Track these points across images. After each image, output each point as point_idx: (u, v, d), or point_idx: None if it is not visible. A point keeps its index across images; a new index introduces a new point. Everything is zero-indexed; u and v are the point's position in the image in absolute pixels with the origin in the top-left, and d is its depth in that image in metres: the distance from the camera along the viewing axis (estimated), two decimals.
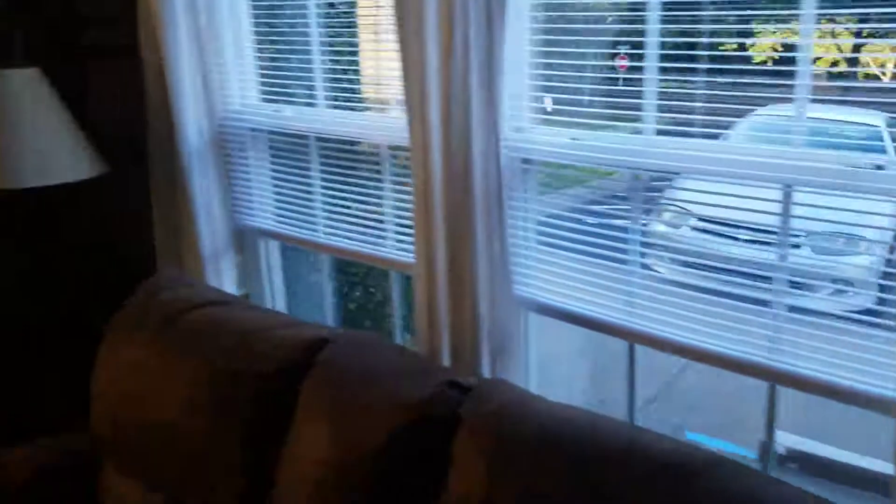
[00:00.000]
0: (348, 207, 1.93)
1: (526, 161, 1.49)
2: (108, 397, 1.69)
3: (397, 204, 1.81)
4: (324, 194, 1.98)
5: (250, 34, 2.02)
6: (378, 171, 1.86)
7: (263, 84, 2.05)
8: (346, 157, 1.93)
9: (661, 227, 1.52)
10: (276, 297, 2.30)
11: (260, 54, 2.03)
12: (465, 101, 1.35)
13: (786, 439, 2.13)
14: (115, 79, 2.27)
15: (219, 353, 1.52)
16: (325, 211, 1.99)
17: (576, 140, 1.42)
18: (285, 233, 2.10)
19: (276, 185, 2.10)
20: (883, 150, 1.38)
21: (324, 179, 1.97)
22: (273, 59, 2.02)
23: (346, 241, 1.95)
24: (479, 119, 1.35)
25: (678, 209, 1.53)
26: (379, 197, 1.85)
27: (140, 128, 2.18)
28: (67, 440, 1.85)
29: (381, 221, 1.85)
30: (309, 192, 2.01)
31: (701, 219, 1.54)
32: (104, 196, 2.45)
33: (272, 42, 2.01)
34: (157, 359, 1.60)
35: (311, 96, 1.98)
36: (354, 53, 1.91)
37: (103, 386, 1.70)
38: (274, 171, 2.09)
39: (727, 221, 1.41)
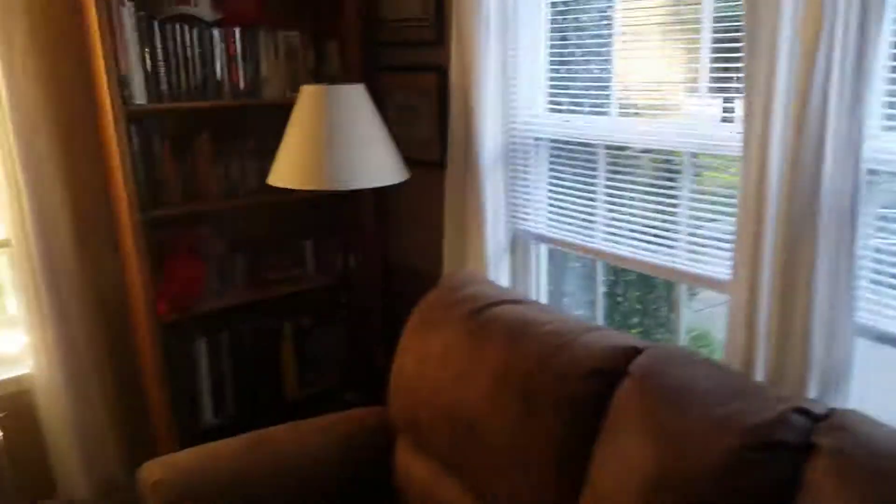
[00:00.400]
0: (634, 216, 1.92)
1: (872, 172, 1.37)
2: (412, 380, 1.83)
3: (694, 213, 1.77)
4: (607, 201, 1.99)
5: (546, 49, 2.09)
6: (673, 180, 1.83)
7: (552, 94, 2.11)
8: (632, 165, 1.93)
9: None
10: (540, 299, 2.36)
11: (552, 66, 2.09)
12: (822, 110, 1.28)
13: None
14: (419, 95, 2.50)
15: (528, 351, 1.58)
16: (608, 218, 2.00)
17: None
18: (560, 237, 2.14)
19: (553, 192, 2.15)
20: None
21: (609, 187, 1.99)
22: (563, 68, 2.08)
23: (628, 248, 1.95)
24: (836, 130, 1.27)
25: None
26: (674, 206, 1.82)
27: (438, 140, 2.38)
28: (363, 414, 2.04)
29: (674, 231, 1.82)
30: (591, 199, 2.03)
31: None
32: (400, 199, 2.75)
33: (563, 51, 2.07)
34: (463, 349, 1.71)
35: (599, 105, 2.01)
36: (643, 59, 1.90)
37: (407, 369, 1.85)
38: (553, 178, 2.15)
39: None
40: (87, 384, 2.40)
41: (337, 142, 1.94)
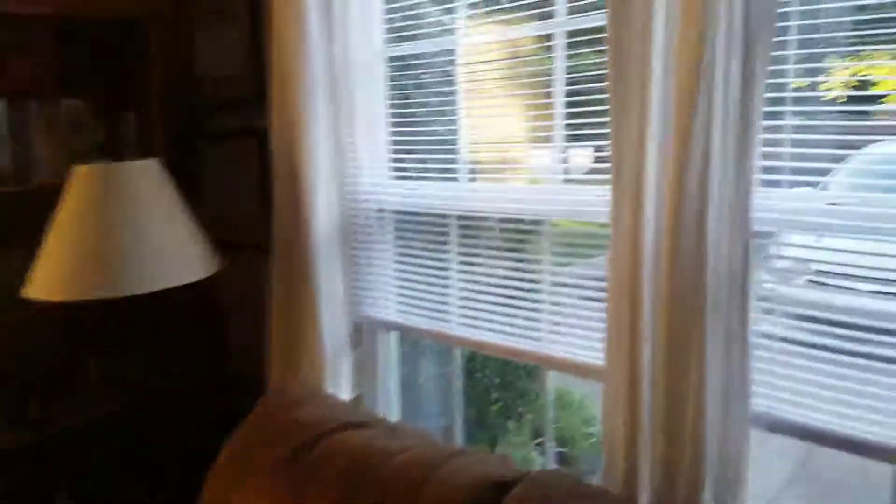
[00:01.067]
0: (491, 295, 1.67)
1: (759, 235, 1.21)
2: None
3: (557, 291, 1.55)
4: (462, 279, 1.73)
5: (386, 107, 1.83)
6: (532, 252, 1.61)
7: (395, 158, 1.85)
8: (488, 237, 1.69)
9: None
10: (391, 398, 2.03)
11: (394, 126, 1.84)
12: (703, 172, 1.10)
13: None
14: (240, 166, 2.13)
15: (375, 496, 1.23)
16: (463, 298, 1.73)
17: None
18: (412, 324, 1.85)
19: (402, 271, 1.86)
20: None
21: (463, 262, 1.73)
22: (407, 129, 1.82)
23: (487, 333, 1.69)
24: (723, 193, 1.09)
25: None
26: (535, 282, 1.59)
27: (262, 219, 2.01)
28: None
29: (537, 311, 1.59)
30: (444, 278, 1.76)
31: None
32: (214, 294, 2.29)
33: (405, 110, 1.83)
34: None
35: (447, 169, 1.77)
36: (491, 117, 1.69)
37: None
38: (401, 255, 1.86)
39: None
40: None
41: (117, 234, 1.52)
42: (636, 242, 1.18)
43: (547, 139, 1.52)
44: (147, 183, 1.60)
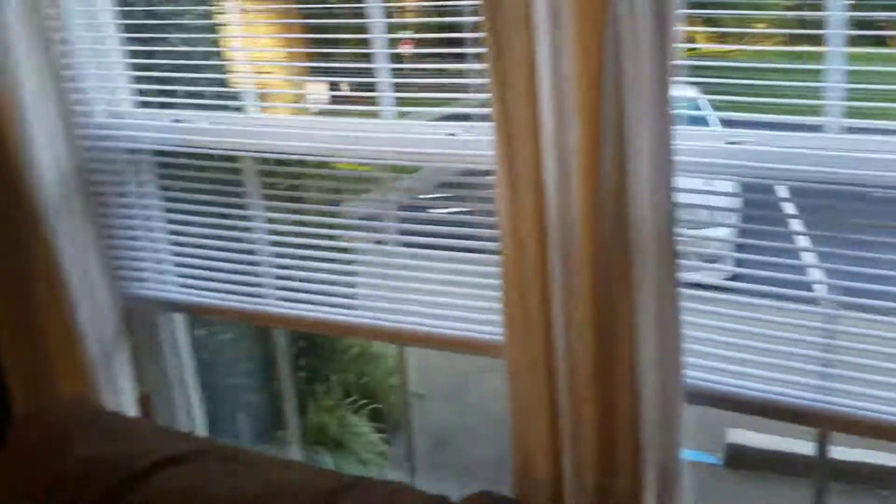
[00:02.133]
0: (315, 259, 1.30)
1: None
2: None
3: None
4: (274, 242, 1.33)
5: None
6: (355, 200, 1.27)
7: (138, 80, 1.32)
8: (305, 186, 1.31)
9: None
10: (190, 394, 1.58)
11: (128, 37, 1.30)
12: (619, 101, 0.84)
13: None
14: None
15: None
16: (279, 267, 1.33)
17: None
18: (206, 304, 1.40)
19: (176, 234, 1.38)
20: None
21: (273, 221, 1.32)
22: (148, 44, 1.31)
23: (313, 308, 1.32)
24: (647, 123, 0.85)
25: None
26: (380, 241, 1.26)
27: None
28: None
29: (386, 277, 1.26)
30: (244, 241, 1.33)
31: None
32: None
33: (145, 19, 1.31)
34: None
35: (233, 97, 1.31)
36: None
37: None
38: (170, 211, 1.38)
39: None
40: None
41: None
42: (538, 191, 0.90)
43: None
44: None
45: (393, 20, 1.17)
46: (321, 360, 2.58)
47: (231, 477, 0.99)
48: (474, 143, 1.07)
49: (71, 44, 1.23)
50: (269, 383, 2.06)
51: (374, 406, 2.62)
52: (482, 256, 1.13)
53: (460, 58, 1.09)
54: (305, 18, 1.26)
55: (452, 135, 1.11)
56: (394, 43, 1.16)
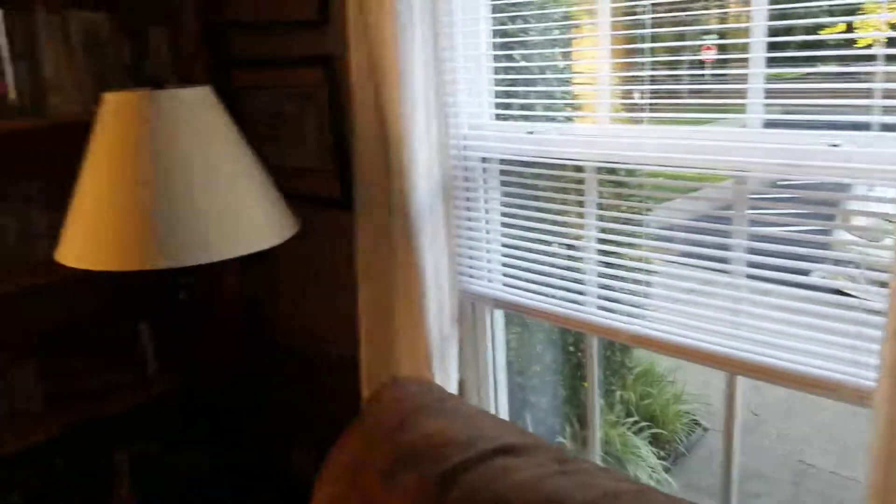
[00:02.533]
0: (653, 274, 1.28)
1: None
2: None
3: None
4: (603, 249, 1.34)
5: (488, 25, 1.40)
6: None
7: (500, 93, 1.43)
8: (647, 197, 1.29)
9: None
10: (498, 387, 1.67)
11: (496, 50, 1.41)
12: None
13: None
14: (297, 100, 1.70)
15: None
16: (604, 276, 1.34)
17: None
18: (528, 304, 1.46)
19: (509, 237, 1.47)
20: None
21: (606, 230, 1.33)
22: (512, 53, 1.40)
23: (652, 325, 1.29)
24: None
25: None
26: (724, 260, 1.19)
27: (331, 165, 1.61)
28: None
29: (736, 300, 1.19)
30: (574, 248, 1.37)
31: None
32: (279, 254, 1.92)
33: (509, 27, 1.40)
34: None
35: (576, 107, 1.35)
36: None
37: None
38: (508, 215, 1.47)
39: None
40: None
41: (167, 186, 1.13)
42: None
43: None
44: (203, 118, 1.19)
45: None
46: (607, 375, 2.56)
47: (564, 478, 1.01)
48: (862, 155, 0.96)
49: (453, 62, 1.37)
50: (559, 388, 2.11)
51: (655, 430, 2.53)
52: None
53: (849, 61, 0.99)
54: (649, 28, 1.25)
55: (835, 145, 1.01)
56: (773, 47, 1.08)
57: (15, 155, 1.68)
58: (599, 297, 1.36)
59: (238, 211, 1.18)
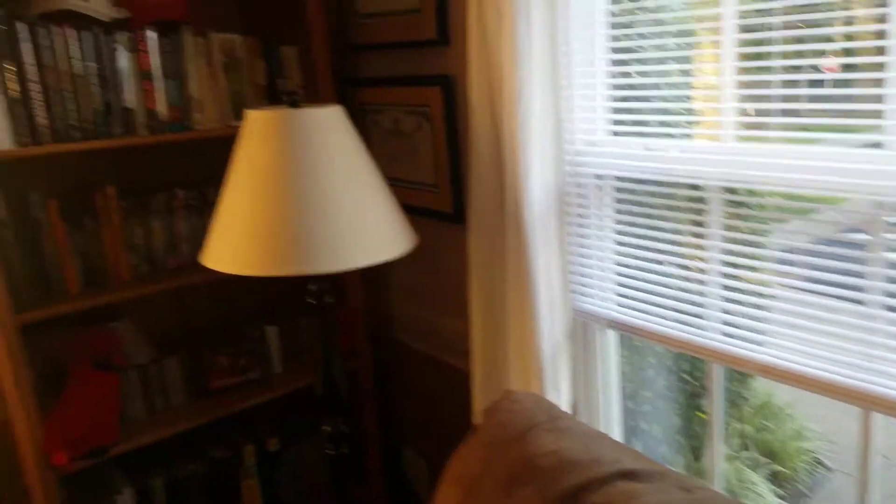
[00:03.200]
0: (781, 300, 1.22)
1: None
2: None
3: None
4: (726, 272, 1.29)
5: (604, 41, 1.40)
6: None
7: (616, 109, 1.42)
8: (774, 219, 1.24)
9: None
10: (612, 409, 1.64)
11: (613, 66, 1.40)
12: None
13: None
14: (415, 118, 1.78)
15: None
16: (728, 300, 1.29)
17: None
18: (644, 326, 1.43)
19: (622, 255, 1.45)
20: None
21: (728, 252, 1.28)
22: (627, 70, 1.39)
23: (782, 354, 1.23)
24: None
25: None
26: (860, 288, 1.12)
27: (445, 180, 1.67)
28: None
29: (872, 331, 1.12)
30: (692, 269, 1.33)
31: None
32: (391, 265, 2.03)
33: (625, 45, 1.39)
34: None
35: (690, 124, 1.32)
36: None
37: None
38: (621, 233, 1.45)
39: None
40: None
41: (306, 199, 1.20)
42: None
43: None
44: (335, 135, 1.26)
45: None
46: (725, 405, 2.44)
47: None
48: None
49: (569, 79, 1.38)
50: (672, 417, 2.04)
51: (774, 467, 2.38)
52: None
53: None
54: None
55: None
56: None
57: (163, 166, 1.85)
58: (723, 322, 1.31)
59: (366, 223, 1.24)
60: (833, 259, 1.15)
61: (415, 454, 2.16)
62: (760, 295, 1.25)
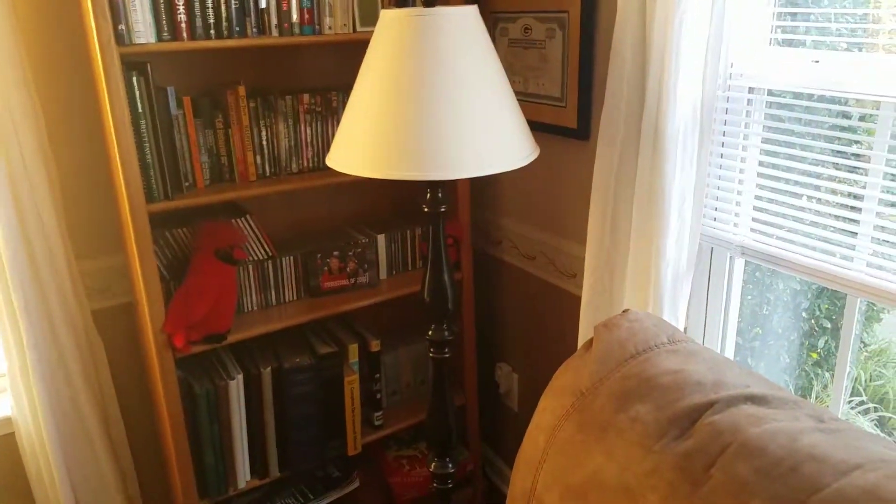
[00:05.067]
0: None
1: None
2: None
3: None
4: (883, 203, 1.19)
5: None
6: None
7: (780, 16, 1.30)
8: None
9: None
10: (726, 340, 1.59)
11: None
12: None
13: None
14: (547, 24, 1.70)
15: None
16: (881, 229, 1.20)
17: None
18: (779, 255, 1.35)
19: (766, 178, 1.36)
20: None
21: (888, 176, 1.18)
22: None
23: None
24: None
25: None
26: None
27: (571, 94, 1.60)
28: None
29: None
30: (851, 197, 1.23)
31: None
32: (504, 178, 2.00)
33: None
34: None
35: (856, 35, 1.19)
36: None
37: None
38: (767, 154, 1.35)
39: None
40: (85, 430, 1.77)
41: (437, 102, 1.18)
42: None
43: None
44: (469, 38, 1.22)
45: None
46: (834, 347, 2.33)
47: (825, 435, 0.93)
48: None
49: None
50: (784, 356, 1.96)
51: (882, 414, 2.28)
52: None
53: None
54: None
55: None
56: None
57: (292, 69, 1.86)
58: (871, 252, 1.22)
59: (494, 131, 1.20)
60: None
61: (509, 368, 2.19)
62: None
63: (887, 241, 1.19)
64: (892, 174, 1.17)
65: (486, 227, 2.12)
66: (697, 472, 0.91)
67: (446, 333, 1.51)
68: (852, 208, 1.23)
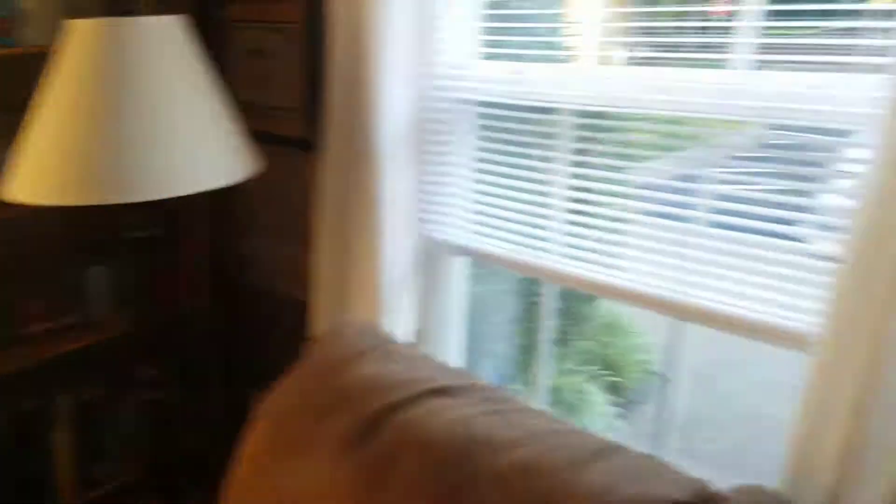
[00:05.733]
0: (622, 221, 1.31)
1: None
2: None
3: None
4: (572, 198, 1.36)
5: None
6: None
7: (488, 31, 1.41)
8: (623, 142, 1.31)
9: None
10: (452, 335, 1.71)
11: None
12: None
13: None
14: (277, 35, 1.68)
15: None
16: (570, 223, 1.37)
17: None
18: (492, 252, 1.49)
19: (482, 183, 1.49)
20: None
21: (577, 176, 1.35)
22: None
23: (609, 271, 1.33)
24: None
25: None
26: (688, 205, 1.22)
27: (305, 105, 1.60)
28: None
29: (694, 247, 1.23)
30: (545, 195, 1.39)
31: None
32: (248, 195, 1.92)
33: None
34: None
35: (552, 48, 1.35)
36: None
37: None
38: (481, 160, 1.48)
39: None
40: None
41: (131, 117, 1.11)
42: None
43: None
44: (170, 49, 1.17)
45: None
46: (569, 325, 2.63)
47: (493, 417, 1.02)
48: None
49: None
50: (519, 337, 2.17)
51: (613, 378, 2.62)
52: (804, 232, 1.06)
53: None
54: None
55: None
56: None
57: None
58: (568, 245, 1.38)
59: (194, 148, 1.15)
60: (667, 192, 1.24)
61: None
62: (602, 217, 1.33)
63: (572, 234, 1.37)
64: (574, 173, 1.34)
65: (231, 248, 2.05)
66: (378, 475, 0.95)
67: (166, 373, 1.42)
68: (545, 206, 1.39)
